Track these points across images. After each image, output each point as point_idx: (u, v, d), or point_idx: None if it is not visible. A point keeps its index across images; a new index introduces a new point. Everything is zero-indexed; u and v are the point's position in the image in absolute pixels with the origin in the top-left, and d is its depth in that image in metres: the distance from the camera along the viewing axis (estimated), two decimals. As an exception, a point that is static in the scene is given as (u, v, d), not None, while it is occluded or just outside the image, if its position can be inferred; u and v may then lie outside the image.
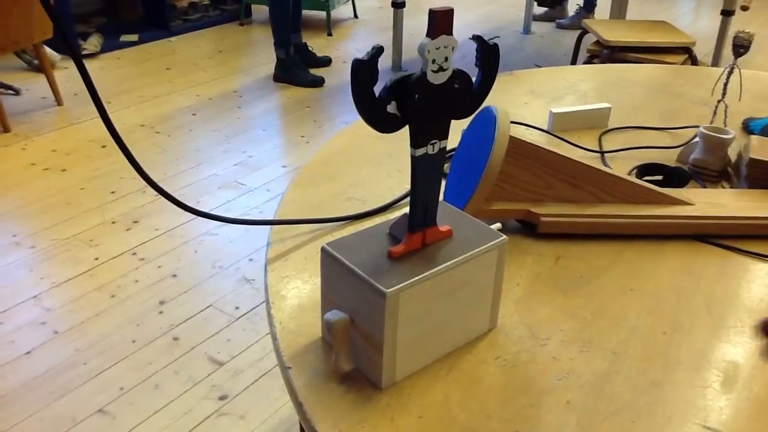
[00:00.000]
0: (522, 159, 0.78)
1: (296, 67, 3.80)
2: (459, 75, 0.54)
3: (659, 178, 0.93)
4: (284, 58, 3.77)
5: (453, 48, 0.52)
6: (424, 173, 0.56)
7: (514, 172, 0.78)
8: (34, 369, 1.68)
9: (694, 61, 2.50)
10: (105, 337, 1.79)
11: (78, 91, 3.44)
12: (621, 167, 0.96)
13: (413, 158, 0.55)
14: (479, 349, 0.62)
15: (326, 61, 3.96)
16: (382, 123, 0.52)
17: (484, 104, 0.76)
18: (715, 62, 3.39)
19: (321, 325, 0.63)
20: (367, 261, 0.56)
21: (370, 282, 0.54)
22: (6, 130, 3.02)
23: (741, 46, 0.98)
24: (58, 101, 3.28)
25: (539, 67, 1.37)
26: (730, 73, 1.00)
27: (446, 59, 0.52)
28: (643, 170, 0.95)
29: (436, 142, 0.56)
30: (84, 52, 4.06)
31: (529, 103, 1.22)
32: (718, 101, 1.01)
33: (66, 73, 3.77)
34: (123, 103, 3.38)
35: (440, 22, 0.50)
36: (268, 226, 0.80)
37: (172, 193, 2.46)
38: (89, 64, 4.00)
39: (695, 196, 0.84)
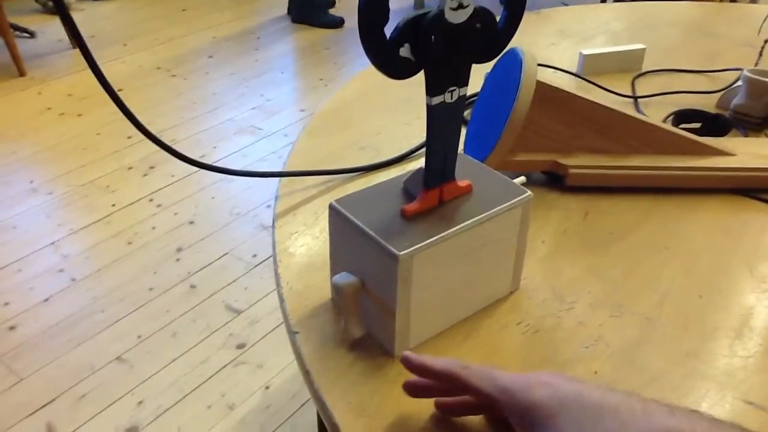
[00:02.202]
0: (550, 106, 0.72)
1: (314, 7, 3.69)
2: (481, 13, 0.48)
3: (697, 126, 0.86)
4: (302, -2, 3.66)
5: None
6: (441, 124, 0.51)
7: (541, 120, 0.72)
8: (53, 316, 1.68)
9: (732, -2, 2.36)
10: (122, 285, 1.79)
11: (94, 33, 3.38)
12: (656, 114, 0.89)
13: (429, 107, 0.50)
14: (500, 314, 0.57)
15: (338, 22, 3.71)
16: (394, 68, 0.47)
17: (509, 46, 0.70)
18: (754, -1, 3.22)
19: (330, 287, 0.59)
20: (379, 220, 0.51)
21: (382, 243, 0.49)
22: (22, 74, 2.98)
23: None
24: (73, 44, 3.23)
25: (567, 5, 1.29)
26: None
27: None
28: (680, 117, 0.88)
29: (454, 90, 0.50)
30: (99, -7, 3.97)
31: (557, 44, 1.15)
32: (765, 41, 0.93)
33: (82, 15, 3.70)
34: (139, 45, 3.32)
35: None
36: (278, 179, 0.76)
37: (187, 138, 2.41)
38: (105, 6, 3.92)
39: (737, 146, 0.77)
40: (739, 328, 0.57)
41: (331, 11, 3.75)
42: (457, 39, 0.47)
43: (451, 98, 0.50)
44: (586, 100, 0.73)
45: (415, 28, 0.46)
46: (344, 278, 0.53)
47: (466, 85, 0.51)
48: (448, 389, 0.47)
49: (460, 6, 0.46)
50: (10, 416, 1.43)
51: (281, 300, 0.60)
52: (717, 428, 0.36)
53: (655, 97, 0.94)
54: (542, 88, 0.70)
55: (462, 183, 0.55)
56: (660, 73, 1.02)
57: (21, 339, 1.61)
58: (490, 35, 0.50)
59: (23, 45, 3.22)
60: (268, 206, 2.11)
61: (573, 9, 1.31)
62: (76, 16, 3.52)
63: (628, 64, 1.03)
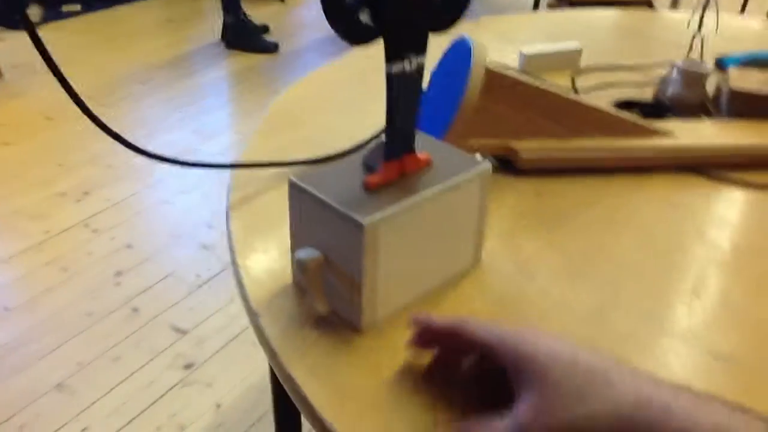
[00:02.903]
0: (499, 92, 0.73)
1: (248, 33, 3.68)
2: None
3: (638, 114, 0.89)
4: (234, 22, 3.64)
5: None
6: (401, 93, 0.51)
7: (490, 107, 0.73)
8: (-15, 347, 1.60)
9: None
10: (58, 312, 1.71)
11: (18, 64, 3.27)
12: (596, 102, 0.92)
13: (388, 76, 0.49)
14: (464, 286, 0.57)
15: (272, 47, 3.69)
16: (354, 33, 0.46)
17: (456, 36, 0.71)
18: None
19: (291, 269, 0.58)
20: (341, 193, 0.51)
21: (346, 214, 0.48)
22: (-57, 102, 2.86)
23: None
24: (-1, 73, 3.12)
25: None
26: (707, 3, 0.97)
27: None
28: (620, 107, 0.91)
29: (413, 57, 0.50)
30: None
31: (499, 47, 1.17)
32: (694, 36, 0.97)
33: (4, 45, 3.58)
34: (67, 74, 3.21)
35: None
36: (229, 174, 0.74)
37: (123, 163, 2.34)
38: (24, 36, 3.80)
39: (676, 128, 0.80)
40: (696, 287, 0.58)
41: (266, 36, 3.75)
42: (414, 4, 0.48)
43: (410, 66, 0.50)
44: (533, 86, 0.74)
45: None
46: (307, 253, 0.52)
47: (424, 52, 0.51)
48: (452, 347, 0.48)
49: None
50: (-59, 454, 1.34)
51: (240, 286, 0.58)
52: (701, 401, 0.36)
53: (594, 92, 0.97)
54: (491, 74, 0.72)
55: (421, 156, 0.55)
56: (598, 70, 1.06)
57: (-50, 372, 1.52)
58: (447, 2, 0.50)
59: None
60: (210, 227, 2.07)
61: (511, 17, 1.35)
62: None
63: (567, 63, 1.07)
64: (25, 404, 1.44)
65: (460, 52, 0.72)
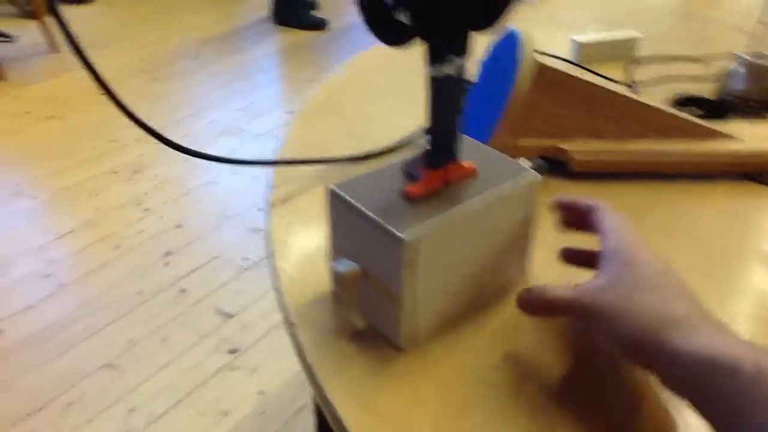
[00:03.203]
0: (549, 88, 0.70)
1: (296, 9, 3.66)
2: None
3: (699, 111, 0.85)
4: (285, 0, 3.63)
5: None
6: (443, 96, 0.48)
7: (541, 104, 0.70)
8: (38, 322, 1.64)
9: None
10: (110, 289, 1.75)
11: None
12: (655, 100, 0.88)
13: (430, 79, 0.47)
14: (511, 302, 0.55)
15: (320, 24, 3.68)
16: (390, 33, 0.44)
17: (506, 29, 0.68)
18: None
19: (330, 276, 0.56)
20: (381, 203, 0.49)
21: (386, 227, 0.46)
22: (1, 78, 2.93)
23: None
24: (53, 48, 3.18)
25: None
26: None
27: None
28: (680, 103, 0.86)
29: (455, 59, 0.47)
30: (79, -3, 3.92)
31: (549, 32, 1.13)
32: (758, 22, 0.92)
33: (61, 19, 3.65)
34: (120, 49, 3.28)
35: None
36: (272, 169, 0.73)
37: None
38: (83, 9, 3.87)
39: (741, 130, 0.75)
40: (758, 313, 0.55)
41: (314, 13, 3.73)
42: (457, 2, 0.45)
43: (452, 68, 0.47)
44: (588, 82, 0.71)
45: None
46: (345, 265, 0.50)
47: (466, 54, 0.48)
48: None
49: None
50: (-5, 427, 1.39)
51: (278, 291, 0.57)
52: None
53: (652, 85, 0.93)
54: (542, 69, 0.68)
55: (466, 164, 0.53)
56: (655, 60, 1.01)
57: (5, 345, 1.57)
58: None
59: (1, 49, 3.17)
60: (259, 209, 2.08)
61: (563, -1, 1.30)
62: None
63: (623, 52, 1.02)
64: (74, 382, 1.48)
65: (508, 45, 0.69)
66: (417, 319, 0.50)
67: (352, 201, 0.49)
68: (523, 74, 0.65)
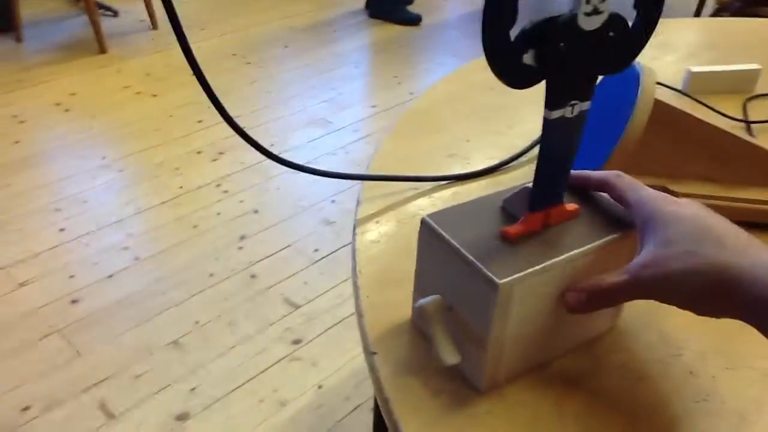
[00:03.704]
0: (662, 125, 0.66)
1: (392, 3, 3.65)
2: (615, 20, 0.42)
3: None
4: (384, -8, 3.62)
5: None
6: (558, 140, 0.46)
7: (653, 141, 0.66)
8: (115, 294, 1.69)
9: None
10: (184, 268, 1.79)
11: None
12: (771, 141, 0.82)
13: (546, 121, 0.44)
14: (599, 353, 0.52)
15: (415, 20, 3.66)
16: (516, 76, 0.41)
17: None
18: None
19: (412, 308, 0.54)
20: (476, 241, 0.46)
21: (480, 268, 0.44)
22: (103, 51, 3.05)
23: None
24: (154, 24, 3.28)
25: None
26: None
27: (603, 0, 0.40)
28: (800, 148, 0.80)
29: (576, 104, 0.44)
30: (182, -24, 4.02)
31: (659, 58, 1.07)
32: None
33: (162, -3, 3.75)
34: (216, 31, 3.35)
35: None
36: (360, 183, 0.71)
37: (257, 126, 2.41)
38: (186, -10, 3.98)
39: None
40: None
41: (410, 8, 3.71)
42: (587, 47, 0.42)
43: (572, 113, 0.45)
44: (704, 122, 0.66)
45: (543, 33, 0.41)
46: (429, 298, 0.48)
47: (589, 99, 0.45)
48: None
49: (595, 11, 0.41)
50: (66, 390, 1.44)
51: (359, 315, 0.56)
52: None
53: (769, 124, 0.86)
54: (659, 106, 0.64)
55: (569, 206, 0.49)
56: (775, 97, 0.94)
57: (82, 314, 1.63)
58: (620, 45, 0.44)
59: (106, 23, 3.29)
60: (333, 201, 2.09)
61: (677, 21, 1.23)
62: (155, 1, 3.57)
63: (740, 85, 0.95)
64: (142, 356, 1.52)
65: (628, 77, 0.65)
66: (501, 363, 0.48)
67: (445, 235, 0.47)
68: (642, 112, 0.61)
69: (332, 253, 1.87)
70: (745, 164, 0.68)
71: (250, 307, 1.67)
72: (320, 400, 1.44)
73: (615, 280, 0.44)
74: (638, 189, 0.47)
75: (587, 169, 0.66)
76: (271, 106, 2.67)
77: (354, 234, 0.64)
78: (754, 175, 0.68)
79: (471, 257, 0.45)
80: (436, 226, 0.48)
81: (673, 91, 0.94)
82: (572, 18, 0.40)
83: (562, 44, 0.41)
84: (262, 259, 1.84)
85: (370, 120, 2.61)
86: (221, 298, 1.69)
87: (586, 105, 0.45)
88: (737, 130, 0.85)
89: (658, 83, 0.94)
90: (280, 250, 1.87)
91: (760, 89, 0.95)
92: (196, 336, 1.58)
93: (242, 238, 1.92)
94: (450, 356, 0.48)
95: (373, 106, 2.72)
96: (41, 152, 2.28)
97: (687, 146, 0.67)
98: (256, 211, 2.02)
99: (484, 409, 0.47)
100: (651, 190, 0.47)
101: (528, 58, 0.41)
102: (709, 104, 0.90)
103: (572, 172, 0.50)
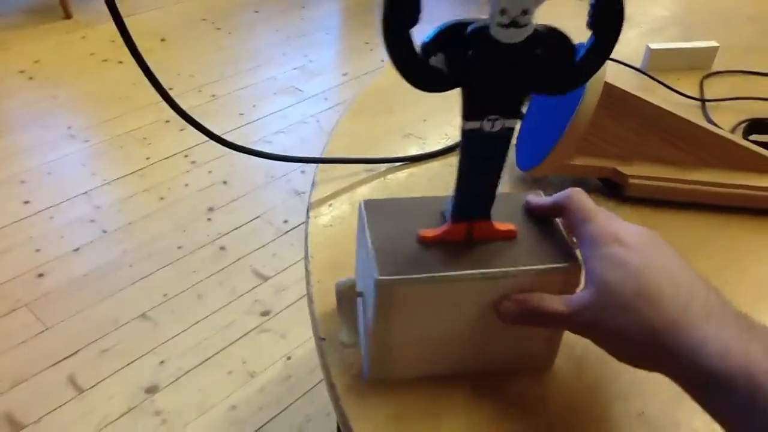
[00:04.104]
0: (614, 108, 0.66)
1: (366, -33, 3.59)
2: (544, 38, 0.37)
3: (770, 138, 0.80)
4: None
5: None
6: (475, 154, 0.42)
7: (604, 123, 0.66)
8: (81, 267, 1.68)
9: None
10: (152, 241, 1.78)
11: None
12: (725, 120, 0.83)
13: (462, 131, 0.41)
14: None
15: None
16: (422, 79, 0.38)
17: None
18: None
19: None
20: (392, 236, 0.45)
21: (372, 261, 0.43)
22: (68, 16, 2.96)
23: None
24: (121, -12, 3.19)
25: None
26: None
27: (524, 12, 0.36)
28: (752, 127, 0.81)
29: (497, 119, 0.40)
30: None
31: (623, 32, 1.07)
32: None
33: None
34: (185, -6, 3.28)
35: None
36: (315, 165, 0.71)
37: (227, 95, 2.37)
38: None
39: (815, 165, 0.71)
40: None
41: (382, -28, 3.65)
42: (506, 61, 0.38)
43: (492, 127, 0.41)
44: (656, 106, 0.67)
45: (452, 37, 0.37)
46: (345, 280, 0.49)
47: (516, 117, 0.41)
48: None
49: (514, 24, 0.36)
50: (34, 365, 1.43)
51: (310, 300, 0.56)
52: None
53: (724, 101, 0.87)
54: (608, 89, 0.65)
55: (502, 226, 0.46)
56: (732, 74, 0.95)
57: (49, 288, 1.62)
58: (559, 65, 0.39)
59: (70, -14, 3.19)
60: (303, 171, 2.08)
61: (642, -5, 1.23)
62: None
63: (698, 62, 0.96)
64: (111, 329, 1.52)
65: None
66: (390, 358, 0.47)
67: (366, 224, 0.46)
68: (591, 93, 0.61)
69: (302, 224, 1.87)
70: (695, 146, 0.69)
71: (218, 279, 1.67)
72: (289, 371, 1.46)
73: (554, 307, 0.43)
74: (589, 220, 0.44)
75: (542, 150, 0.66)
76: (240, 73, 2.63)
77: (307, 218, 0.64)
78: (704, 156, 0.69)
79: (373, 248, 0.44)
80: (364, 214, 0.47)
81: (631, 69, 0.94)
82: (484, 27, 0.36)
83: (470, 52, 0.37)
84: (230, 231, 1.83)
85: (342, 88, 2.59)
86: (190, 271, 1.69)
87: (511, 122, 0.41)
88: (688, 108, 0.86)
89: (617, 61, 0.95)
90: (249, 221, 1.87)
91: (717, 66, 0.96)
92: (164, 309, 1.58)
93: (211, 209, 1.90)
94: (346, 336, 0.48)
95: (345, 74, 2.69)
96: (4, 122, 2.24)
97: (639, 129, 0.68)
98: (225, 182, 2.01)
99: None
100: (603, 220, 0.44)
101: (437, 61, 0.38)
102: (666, 82, 0.90)
103: (531, 198, 0.48)
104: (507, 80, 0.39)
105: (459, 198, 0.44)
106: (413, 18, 0.35)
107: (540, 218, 0.48)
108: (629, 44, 1.02)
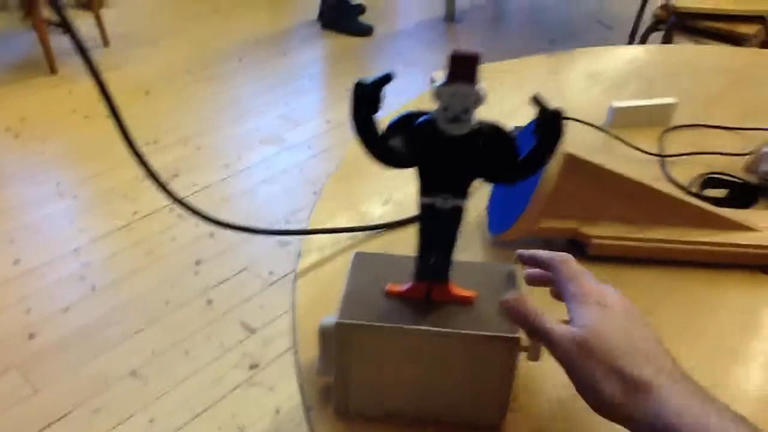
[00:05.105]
0: (576, 176, 0.71)
1: (344, 14, 3.68)
2: (488, 132, 0.44)
3: (724, 192, 0.85)
4: (336, 2, 3.65)
5: (476, 100, 0.42)
6: (430, 226, 0.49)
7: (567, 189, 0.71)
8: (71, 325, 1.70)
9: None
10: (140, 297, 1.80)
11: (125, 33, 3.41)
12: (683, 174, 0.88)
13: (418, 205, 0.48)
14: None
15: (367, 30, 3.69)
16: (384, 158, 0.46)
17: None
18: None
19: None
20: (366, 286, 0.52)
21: (340, 303, 0.51)
22: (53, 71, 3.01)
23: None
24: (105, 41, 3.25)
25: (604, 24, 1.27)
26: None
27: (466, 111, 0.43)
28: (707, 182, 0.86)
29: (449, 198, 0.47)
30: (132, -7, 4.00)
31: (586, 89, 1.13)
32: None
33: (116, 12, 3.73)
34: (171, 46, 3.34)
35: (459, 68, 0.41)
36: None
37: (211, 146, 2.39)
38: (136, 3, 3.95)
39: (763, 219, 0.76)
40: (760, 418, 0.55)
41: (361, 19, 3.75)
42: (453, 151, 0.45)
43: (444, 204, 0.47)
44: (614, 172, 0.71)
45: (407, 126, 0.45)
46: (328, 321, 0.52)
47: (464, 197, 0.47)
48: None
49: (456, 119, 0.43)
50: (26, 429, 1.44)
51: (298, 369, 0.60)
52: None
53: (682, 156, 0.93)
54: (569, 158, 0.70)
55: (463, 291, 0.52)
56: (690, 128, 1.01)
57: (39, 347, 1.63)
58: (504, 157, 0.46)
59: (56, 41, 3.24)
60: (287, 222, 2.11)
61: (606, 50, 1.30)
62: (110, 13, 3.53)
63: (659, 118, 1.02)
64: (101, 389, 1.53)
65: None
66: (350, 395, 0.53)
67: (349, 272, 0.53)
68: (553, 164, 0.66)
69: (287, 274, 1.90)
70: (652, 207, 0.74)
71: (206, 333, 1.69)
72: (277, 425, 1.47)
73: (546, 324, 0.46)
74: (574, 279, 0.49)
75: (511, 216, 0.71)
76: (225, 124, 2.68)
77: (294, 288, 0.68)
78: (660, 216, 0.74)
79: (344, 293, 0.51)
80: (350, 264, 0.54)
81: (595, 129, 0.99)
82: (431, 121, 0.44)
83: (420, 140, 0.45)
84: (218, 284, 1.86)
85: (324, 136, 2.64)
86: (178, 326, 1.71)
87: (460, 202, 0.47)
88: (648, 164, 0.91)
89: (582, 121, 1.00)
90: (236, 274, 1.90)
91: (676, 121, 1.02)
92: (154, 366, 1.60)
93: (198, 263, 1.93)
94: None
95: (327, 122, 2.75)
96: (-8, 180, 2.27)
97: (599, 192, 0.72)
98: (211, 235, 2.04)
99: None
100: (586, 282, 0.49)
101: (396, 143, 0.45)
102: (627, 138, 0.96)
103: (522, 251, 0.54)
104: (453, 166, 0.46)
105: (418, 261, 0.51)
106: (374, 108, 0.44)
107: (506, 288, 0.53)
108: (594, 101, 1.08)
